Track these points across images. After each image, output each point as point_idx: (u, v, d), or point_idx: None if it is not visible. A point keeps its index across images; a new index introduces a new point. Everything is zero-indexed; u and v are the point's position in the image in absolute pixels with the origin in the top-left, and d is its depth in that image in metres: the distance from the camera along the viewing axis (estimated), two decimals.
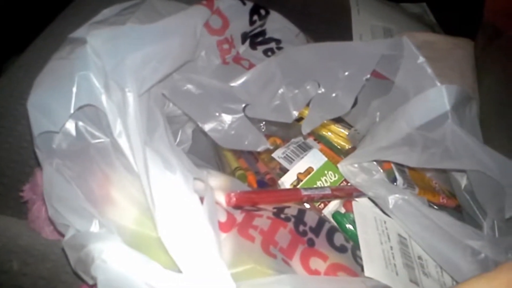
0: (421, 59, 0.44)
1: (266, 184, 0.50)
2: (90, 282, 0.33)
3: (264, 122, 0.57)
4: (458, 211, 0.54)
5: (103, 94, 0.36)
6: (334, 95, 0.46)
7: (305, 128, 0.46)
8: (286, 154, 0.53)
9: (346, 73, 0.45)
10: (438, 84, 0.44)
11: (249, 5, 0.51)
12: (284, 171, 0.52)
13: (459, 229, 0.43)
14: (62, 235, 0.37)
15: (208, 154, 0.56)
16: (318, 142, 0.57)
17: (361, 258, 0.41)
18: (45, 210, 0.45)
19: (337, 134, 0.58)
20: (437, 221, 0.44)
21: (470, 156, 0.43)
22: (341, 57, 0.45)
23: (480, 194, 0.47)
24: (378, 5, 0.85)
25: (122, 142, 0.36)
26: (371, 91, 0.49)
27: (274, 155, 0.54)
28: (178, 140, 0.54)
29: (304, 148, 0.54)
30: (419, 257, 0.45)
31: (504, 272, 0.27)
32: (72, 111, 0.36)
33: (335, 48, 0.45)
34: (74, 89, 0.36)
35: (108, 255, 0.31)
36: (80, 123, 0.38)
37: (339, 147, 0.58)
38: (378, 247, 0.43)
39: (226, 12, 0.48)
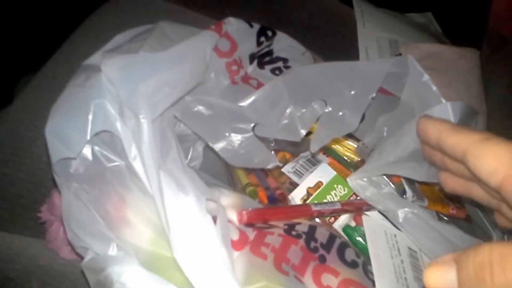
0: (426, 77, 0.45)
1: (277, 199, 0.51)
2: None
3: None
4: (468, 222, 0.54)
5: (118, 120, 0.38)
6: (341, 113, 0.47)
7: (313, 146, 0.47)
8: (296, 169, 0.54)
9: (353, 92, 0.46)
10: (443, 101, 0.45)
11: (256, 27, 0.52)
12: (294, 185, 0.53)
13: (469, 242, 0.43)
14: (81, 256, 0.38)
15: (218, 170, 0.57)
16: (327, 156, 0.58)
17: (372, 273, 0.42)
18: (63, 231, 0.47)
19: (346, 147, 0.59)
20: (446, 234, 0.44)
21: None
22: (348, 76, 0.46)
23: None
24: (383, 16, 0.86)
25: (137, 165, 0.37)
26: (378, 106, 0.50)
27: (284, 169, 0.55)
28: (189, 157, 0.55)
29: (313, 163, 0.55)
30: None
31: None
32: (88, 137, 0.38)
33: (341, 67, 0.46)
34: (90, 117, 0.38)
35: (127, 278, 0.32)
36: (96, 148, 0.40)
37: (348, 160, 0.58)
38: (389, 261, 0.44)
39: (234, 35, 0.49)
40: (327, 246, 0.42)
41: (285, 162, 0.56)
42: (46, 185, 0.54)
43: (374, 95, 0.46)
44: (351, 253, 0.43)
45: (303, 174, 0.54)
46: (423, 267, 0.46)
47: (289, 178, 0.54)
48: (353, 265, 0.42)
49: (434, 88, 0.44)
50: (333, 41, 0.81)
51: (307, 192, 0.52)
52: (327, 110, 0.47)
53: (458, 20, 0.95)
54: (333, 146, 0.59)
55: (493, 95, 0.69)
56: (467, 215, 0.54)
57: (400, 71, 0.46)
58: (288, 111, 0.47)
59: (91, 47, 0.44)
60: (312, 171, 0.54)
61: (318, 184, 0.53)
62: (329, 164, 0.55)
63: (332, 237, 0.44)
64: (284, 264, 0.39)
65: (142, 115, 0.36)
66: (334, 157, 0.58)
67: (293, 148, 0.58)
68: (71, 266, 0.45)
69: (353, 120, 0.46)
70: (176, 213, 0.35)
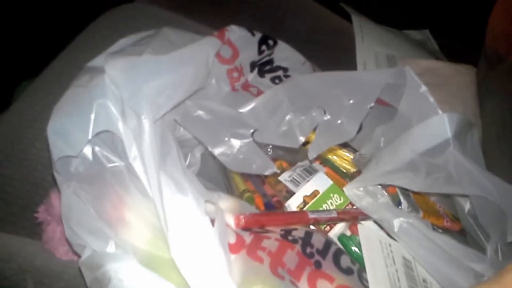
0: (423, 88, 0.46)
1: (273, 206, 0.51)
2: None
3: (271, 146, 0.58)
4: (462, 235, 0.54)
5: (119, 120, 0.38)
6: (339, 121, 0.48)
7: (311, 153, 0.48)
8: (293, 177, 0.55)
9: (351, 101, 0.47)
10: (440, 112, 0.45)
11: (258, 35, 0.53)
12: (291, 194, 0.53)
13: (463, 252, 0.44)
14: (78, 256, 0.38)
15: (216, 176, 0.57)
16: (324, 166, 0.58)
17: (367, 281, 0.42)
18: (60, 231, 0.47)
19: (343, 158, 0.59)
20: (441, 244, 0.44)
21: (472, 182, 0.44)
22: (346, 86, 0.47)
23: (483, 218, 0.48)
24: (381, 32, 0.87)
25: (137, 166, 0.38)
26: (375, 117, 0.51)
27: (280, 178, 0.55)
28: (187, 163, 0.55)
29: (310, 172, 0.55)
30: (424, 280, 0.46)
31: (506, 276, 0.28)
32: (90, 136, 0.38)
33: (341, 77, 0.47)
34: (93, 116, 0.38)
35: (124, 274, 0.33)
36: (97, 148, 0.40)
37: (344, 170, 0.59)
38: (384, 270, 0.44)
39: (236, 42, 0.50)
40: (323, 252, 0.43)
41: (282, 170, 0.56)
42: (43, 187, 0.54)
43: (372, 104, 0.47)
44: (347, 260, 0.43)
45: (299, 183, 0.54)
46: (417, 277, 0.46)
47: (286, 186, 0.55)
48: (348, 271, 0.42)
49: (431, 99, 0.45)
50: (331, 55, 0.82)
51: (304, 200, 0.52)
52: (326, 118, 0.47)
53: (455, 38, 0.96)
54: (330, 156, 0.59)
55: (489, 111, 0.69)
56: (461, 228, 0.54)
57: (398, 82, 0.47)
58: (287, 118, 0.48)
59: (93, 53, 0.44)
60: (308, 180, 0.54)
61: (315, 193, 0.53)
62: (326, 174, 0.55)
63: (328, 243, 0.44)
64: (280, 268, 0.40)
65: (144, 115, 0.37)
66: (330, 167, 0.58)
67: (290, 157, 0.59)
68: (66, 266, 0.45)
69: (351, 128, 0.47)
70: (175, 213, 0.35)
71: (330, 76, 0.48)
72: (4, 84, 1.01)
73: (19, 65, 1.03)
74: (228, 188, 0.56)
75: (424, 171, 0.46)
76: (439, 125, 0.44)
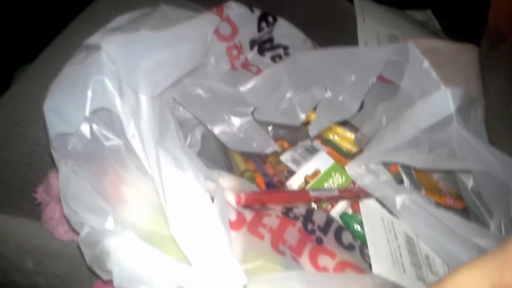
0: (426, 64, 0.45)
1: (274, 185, 0.51)
2: (105, 277, 0.34)
3: (271, 126, 0.58)
4: (465, 213, 0.54)
5: (117, 97, 0.37)
6: (340, 98, 0.47)
7: (313, 130, 0.47)
8: (294, 157, 0.54)
9: (353, 78, 0.46)
10: (443, 87, 0.45)
11: (257, 12, 0.52)
12: (292, 174, 0.53)
13: (465, 228, 0.43)
14: (77, 234, 0.38)
15: (217, 157, 0.57)
16: (325, 145, 0.58)
17: (368, 256, 0.42)
18: (59, 211, 0.46)
19: (344, 138, 0.59)
20: (444, 220, 0.44)
21: (475, 157, 0.44)
22: (348, 62, 0.46)
23: (486, 195, 0.47)
24: (383, 12, 0.86)
25: (135, 143, 0.37)
26: (377, 94, 0.50)
27: (282, 158, 0.55)
28: (187, 143, 0.55)
29: (312, 151, 0.55)
30: (427, 257, 0.46)
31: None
32: (87, 113, 0.37)
33: (342, 53, 0.47)
34: (89, 93, 0.38)
35: (123, 249, 0.32)
36: (94, 126, 0.40)
37: (345, 150, 0.58)
38: (386, 246, 0.44)
39: (235, 19, 0.49)
40: (324, 229, 0.43)
41: (283, 150, 0.56)
42: (41, 168, 0.54)
43: (374, 81, 0.46)
44: (348, 236, 0.43)
45: (301, 163, 0.54)
46: (420, 254, 0.46)
47: (287, 166, 0.54)
48: (350, 247, 0.42)
49: (434, 74, 0.45)
50: (332, 35, 0.81)
51: (305, 179, 0.52)
52: (327, 95, 0.47)
53: (457, 18, 0.95)
54: (331, 136, 0.59)
55: (491, 89, 0.69)
56: (464, 207, 0.54)
57: (400, 59, 0.46)
58: (288, 95, 0.47)
59: (91, 33, 0.43)
60: (310, 159, 0.53)
61: (316, 172, 0.53)
62: (327, 153, 0.55)
63: (329, 220, 0.44)
64: (281, 244, 0.39)
65: (141, 91, 0.36)
66: (332, 147, 0.58)
67: (291, 137, 0.58)
68: (66, 246, 0.45)
69: (352, 105, 0.46)
70: (174, 189, 0.35)
71: (330, 53, 0.47)
72: (3, 69, 1.01)
73: (18, 50, 1.02)
74: (229, 168, 0.56)
75: (427, 147, 0.45)
76: (442, 101, 0.43)
